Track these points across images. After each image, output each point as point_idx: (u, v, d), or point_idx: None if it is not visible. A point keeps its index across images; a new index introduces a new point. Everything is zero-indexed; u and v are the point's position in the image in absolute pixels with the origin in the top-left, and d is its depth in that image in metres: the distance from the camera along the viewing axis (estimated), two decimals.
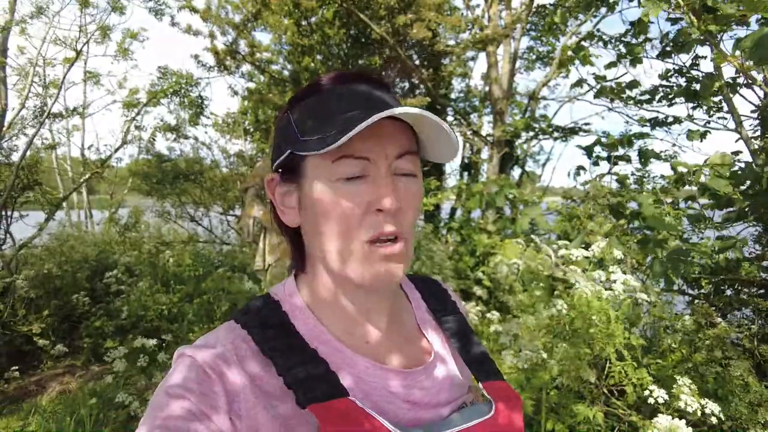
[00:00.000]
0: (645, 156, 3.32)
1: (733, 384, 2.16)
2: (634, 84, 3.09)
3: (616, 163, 3.61)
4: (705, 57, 3.19)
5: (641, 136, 3.64)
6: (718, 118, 3.20)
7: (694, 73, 3.21)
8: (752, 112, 2.70)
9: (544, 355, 2.21)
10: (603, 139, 3.58)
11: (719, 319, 2.58)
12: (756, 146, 2.76)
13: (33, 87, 6.35)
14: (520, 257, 3.17)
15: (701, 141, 3.27)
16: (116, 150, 6.83)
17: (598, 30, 3.99)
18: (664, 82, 4.19)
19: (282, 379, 0.53)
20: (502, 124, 6.43)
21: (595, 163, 3.69)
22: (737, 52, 2.03)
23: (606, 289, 2.22)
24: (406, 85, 7.23)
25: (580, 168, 3.70)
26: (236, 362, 0.54)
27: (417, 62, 6.74)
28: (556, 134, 6.62)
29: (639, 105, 3.68)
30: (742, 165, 2.91)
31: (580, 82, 3.47)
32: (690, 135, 3.08)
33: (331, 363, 0.56)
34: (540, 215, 3.42)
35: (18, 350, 4.26)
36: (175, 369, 0.54)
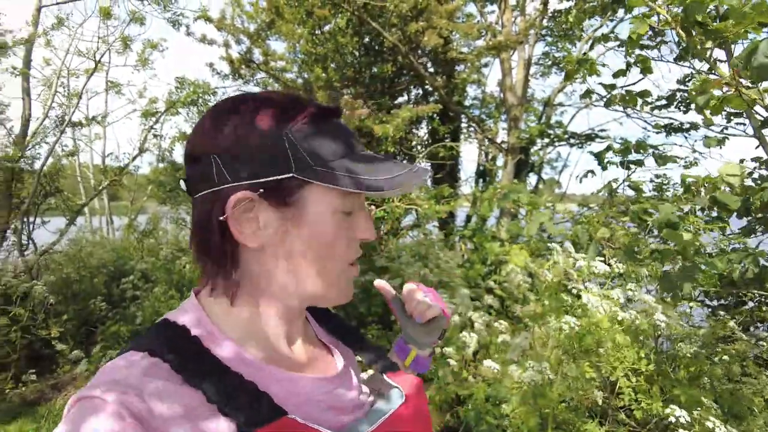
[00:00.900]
0: (662, 159, 3.22)
1: (751, 401, 2.08)
2: (644, 94, 3.01)
3: (630, 169, 3.51)
4: (724, 61, 3.11)
5: (655, 147, 3.54)
6: (737, 123, 3.09)
7: (712, 77, 3.12)
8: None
9: (552, 376, 2.16)
10: (616, 145, 3.49)
11: (739, 333, 2.49)
12: None
13: (57, 97, 6.54)
14: (528, 264, 3.11)
15: (720, 148, 3.17)
16: (134, 158, 6.97)
17: (613, 32, 3.89)
18: (682, 87, 4.09)
19: (215, 407, 0.50)
20: (516, 131, 6.37)
21: (605, 168, 3.60)
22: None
23: (621, 308, 2.16)
24: (419, 92, 7.22)
25: (589, 172, 3.62)
26: (158, 397, 0.47)
27: (430, 70, 6.73)
28: (572, 141, 6.52)
29: (652, 111, 3.59)
30: (764, 173, 2.81)
31: (588, 93, 3.39)
32: (707, 142, 2.98)
33: (258, 383, 0.54)
34: (550, 220, 3.34)
35: (36, 354, 4.35)
36: (82, 419, 0.44)
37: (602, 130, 6.37)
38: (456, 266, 4.32)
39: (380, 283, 0.88)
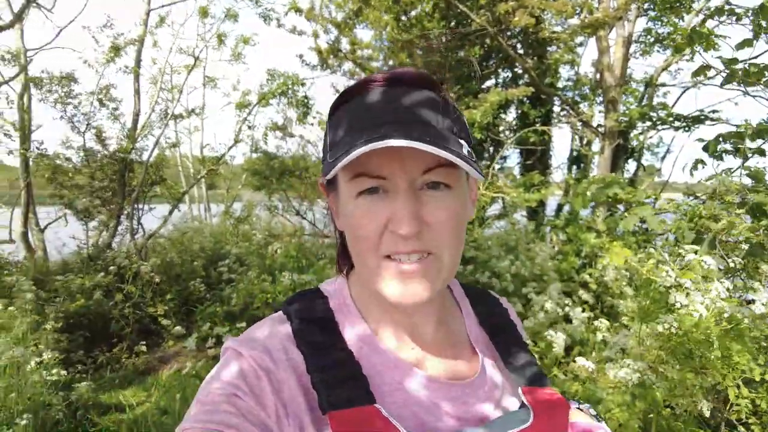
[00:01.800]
0: None
1: None
2: None
3: (747, 157, 3.07)
4: None
5: None
6: None
7: None
8: None
9: (652, 377, 1.94)
10: (730, 128, 3.05)
11: None
12: None
13: (161, 93, 7.09)
14: (631, 263, 2.84)
15: None
16: (229, 148, 7.36)
17: (728, 2, 3.38)
18: None
19: (310, 378, 0.54)
20: (614, 114, 5.89)
21: (719, 158, 3.18)
22: None
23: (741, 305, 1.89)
24: (509, 75, 6.91)
25: (699, 162, 3.21)
26: (281, 356, 0.55)
27: (520, 51, 6.41)
28: (677, 124, 5.89)
29: None
30: None
31: (702, 69, 2.99)
32: None
33: (371, 365, 0.56)
34: (651, 215, 3.02)
35: (146, 329, 4.76)
36: (223, 364, 0.55)
37: (713, 111, 5.69)
38: (549, 258, 4.09)
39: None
